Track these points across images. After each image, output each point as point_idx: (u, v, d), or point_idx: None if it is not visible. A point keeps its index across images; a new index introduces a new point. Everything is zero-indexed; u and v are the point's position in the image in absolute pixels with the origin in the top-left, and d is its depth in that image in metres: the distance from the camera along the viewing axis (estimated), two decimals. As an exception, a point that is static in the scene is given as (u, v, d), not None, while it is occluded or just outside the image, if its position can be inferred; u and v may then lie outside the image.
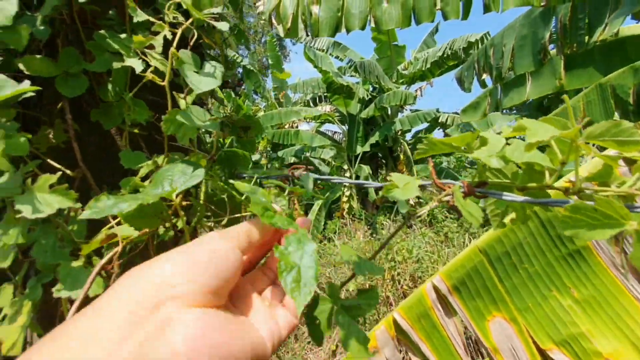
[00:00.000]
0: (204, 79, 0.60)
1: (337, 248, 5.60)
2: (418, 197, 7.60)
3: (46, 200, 0.56)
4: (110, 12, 0.77)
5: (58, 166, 0.64)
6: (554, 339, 0.84)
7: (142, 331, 0.26)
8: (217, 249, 0.34)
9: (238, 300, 0.39)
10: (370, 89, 8.70)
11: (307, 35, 1.80)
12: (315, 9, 1.75)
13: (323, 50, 8.47)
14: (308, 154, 9.44)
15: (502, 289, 0.83)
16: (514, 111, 7.15)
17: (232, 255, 0.35)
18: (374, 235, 6.31)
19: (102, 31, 0.66)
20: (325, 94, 9.10)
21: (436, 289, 0.83)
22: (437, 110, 6.91)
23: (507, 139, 0.47)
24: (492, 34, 5.72)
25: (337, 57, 8.68)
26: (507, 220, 0.57)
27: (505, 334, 0.84)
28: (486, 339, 0.84)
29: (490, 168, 0.50)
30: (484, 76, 2.90)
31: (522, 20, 2.53)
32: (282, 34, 1.76)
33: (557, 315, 0.85)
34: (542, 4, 1.85)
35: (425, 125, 8.15)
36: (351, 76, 9.38)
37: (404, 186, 0.48)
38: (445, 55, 5.66)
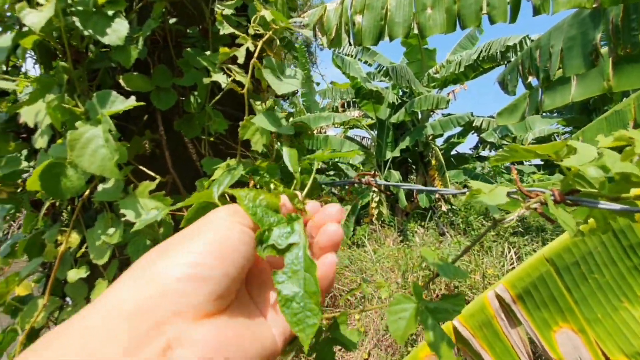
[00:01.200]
0: (285, 83, 0.64)
1: (367, 254, 5.56)
2: (450, 204, 7.41)
3: (147, 205, 0.61)
4: (189, 30, 0.84)
5: (151, 173, 0.70)
6: (625, 352, 0.81)
7: (142, 356, 0.22)
8: (229, 235, 0.29)
9: (248, 290, 0.34)
10: (400, 93, 8.62)
11: (350, 44, 1.83)
12: (358, 18, 1.78)
13: (351, 56, 8.50)
14: (337, 160, 9.47)
15: (570, 299, 0.81)
16: (555, 114, 6.83)
17: (246, 238, 0.30)
18: (405, 242, 6.21)
19: (189, 49, 0.72)
20: (353, 100, 9.12)
21: (499, 298, 0.82)
22: (471, 114, 6.73)
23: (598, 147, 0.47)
24: (524, 37, 5.53)
25: (365, 63, 8.68)
26: (583, 228, 0.56)
27: (573, 345, 0.82)
28: (552, 350, 0.82)
29: (576, 176, 0.50)
30: (530, 78, 2.81)
31: (571, 21, 2.43)
32: (326, 45, 1.81)
33: (628, 327, 0.82)
34: (593, 5, 1.78)
35: (458, 129, 7.96)
36: (380, 81, 9.35)
37: (490, 192, 0.49)
38: (481, 58, 5.52)
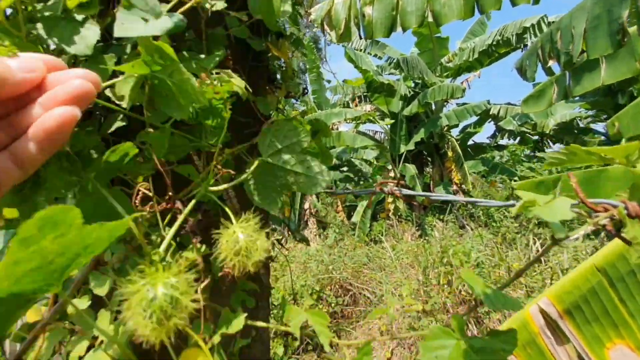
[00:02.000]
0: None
1: (385, 251, 5.46)
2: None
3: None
4: (186, 33, 0.78)
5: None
6: (691, 371, 0.71)
7: None
8: None
9: None
10: (412, 85, 8.43)
11: (361, 38, 1.74)
12: (368, 10, 1.69)
13: (361, 50, 8.35)
14: (350, 156, 9.37)
15: (625, 312, 0.72)
16: (577, 98, 6.51)
17: None
18: (424, 237, 6.07)
19: (184, 53, 0.66)
20: (365, 94, 8.98)
21: (544, 313, 0.74)
22: (488, 102, 6.49)
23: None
24: (542, 17, 5.25)
25: (375, 56, 8.52)
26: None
27: (631, 364, 0.72)
28: (607, 370, 0.72)
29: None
30: (550, 63, 2.65)
31: (595, -1, 2.27)
32: (335, 40, 1.73)
33: (694, 343, 0.72)
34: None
35: (474, 118, 7.72)
36: (390, 74, 9.16)
37: (547, 205, 0.40)
38: (495, 43, 5.30)
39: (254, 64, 1.00)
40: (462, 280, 3.85)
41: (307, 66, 9.97)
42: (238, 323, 0.58)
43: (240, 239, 0.44)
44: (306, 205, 8.49)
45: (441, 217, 6.64)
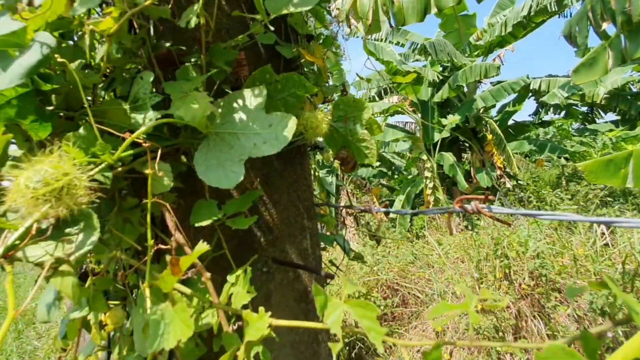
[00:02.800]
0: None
1: (430, 246, 5.22)
2: (516, 180, 6.71)
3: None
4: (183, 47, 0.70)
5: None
6: None
7: None
8: None
9: None
10: (440, 69, 8.04)
11: (392, 26, 1.61)
12: (397, -6, 1.55)
13: (381, 40, 8.10)
14: (382, 150, 9.14)
15: None
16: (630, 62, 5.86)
17: None
18: (472, 228, 5.74)
19: (186, 64, 0.57)
20: (390, 85, 8.70)
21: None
22: (527, 77, 6.02)
23: None
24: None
25: (397, 44, 8.23)
26: None
27: None
28: None
29: None
30: (604, 25, 2.35)
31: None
32: (364, 32, 1.61)
33: None
34: None
35: (513, 96, 7.20)
36: (415, 61, 8.82)
37: None
38: (532, 13, 4.88)
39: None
40: (521, 273, 3.56)
41: (328, 65, 9.83)
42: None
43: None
44: (341, 203, 8.38)
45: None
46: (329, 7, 1.89)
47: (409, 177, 9.32)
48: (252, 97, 0.55)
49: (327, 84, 0.97)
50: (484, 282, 3.63)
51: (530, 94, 7.05)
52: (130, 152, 0.46)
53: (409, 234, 6.74)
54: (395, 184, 10.41)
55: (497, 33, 5.99)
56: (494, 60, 7.74)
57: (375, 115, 9.12)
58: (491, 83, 7.59)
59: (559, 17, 6.53)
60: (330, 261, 1.03)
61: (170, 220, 0.51)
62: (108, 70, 0.55)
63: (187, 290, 0.46)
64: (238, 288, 0.50)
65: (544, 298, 3.34)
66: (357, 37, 8.65)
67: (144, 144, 0.43)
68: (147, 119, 0.50)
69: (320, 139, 0.79)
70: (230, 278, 0.53)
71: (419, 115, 7.65)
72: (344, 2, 1.65)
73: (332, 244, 1.02)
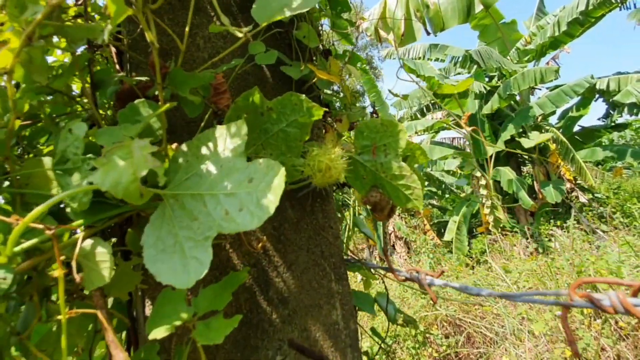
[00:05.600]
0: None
1: (494, 272, 4.62)
2: (592, 193, 5.87)
3: None
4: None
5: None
6: None
7: None
8: None
9: None
10: (486, 79, 7.53)
11: (428, 34, 1.42)
12: (432, -1, 1.36)
13: (419, 58, 7.85)
14: (429, 169, 8.65)
15: None
16: None
17: None
18: (543, 250, 5.03)
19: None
20: (432, 102, 8.32)
21: None
22: (592, 77, 5.34)
23: None
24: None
25: (437, 60, 7.91)
26: None
27: None
28: None
29: None
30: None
31: None
32: (397, 44, 1.44)
33: None
34: None
35: (575, 100, 6.44)
36: (458, 74, 8.39)
37: None
38: (590, 7, 4.36)
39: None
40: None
41: (365, 88, 9.74)
42: None
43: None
44: (390, 228, 7.95)
45: (558, 223, 5.48)
46: (359, 21, 1.75)
47: (462, 194, 8.65)
48: (227, 139, 0.37)
49: (352, 107, 0.78)
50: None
51: (597, 96, 6.25)
52: (33, 242, 0.30)
53: (468, 260, 6.11)
54: (446, 203, 9.73)
55: (550, 34, 5.45)
56: (547, 63, 7.08)
57: (419, 133, 8.72)
58: (547, 88, 6.91)
59: (620, 9, 5.81)
60: (372, 329, 0.80)
61: (110, 334, 0.33)
62: (20, 122, 0.42)
63: None
64: None
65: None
66: (393, 58, 8.49)
67: (47, 231, 0.28)
68: (74, 184, 0.34)
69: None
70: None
71: (469, 129, 7.14)
72: (371, 14, 1.51)
73: (373, 307, 0.78)
